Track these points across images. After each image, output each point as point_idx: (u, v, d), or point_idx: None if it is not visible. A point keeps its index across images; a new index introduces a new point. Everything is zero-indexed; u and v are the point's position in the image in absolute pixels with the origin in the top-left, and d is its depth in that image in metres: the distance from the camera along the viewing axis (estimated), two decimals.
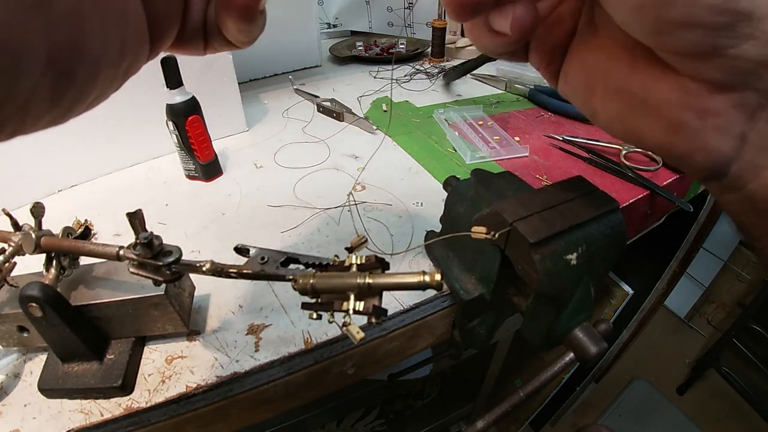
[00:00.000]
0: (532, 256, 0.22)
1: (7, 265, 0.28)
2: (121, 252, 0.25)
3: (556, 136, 0.57)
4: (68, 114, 0.14)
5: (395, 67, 0.87)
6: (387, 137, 0.60)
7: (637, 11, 0.13)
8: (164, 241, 0.25)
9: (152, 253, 0.24)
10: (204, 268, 0.24)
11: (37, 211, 0.29)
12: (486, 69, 0.77)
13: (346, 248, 0.22)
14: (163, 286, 0.28)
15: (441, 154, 0.55)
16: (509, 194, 0.29)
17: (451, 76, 0.76)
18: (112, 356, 0.30)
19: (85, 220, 0.44)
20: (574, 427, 1.08)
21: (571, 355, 0.25)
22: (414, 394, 0.86)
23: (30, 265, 0.31)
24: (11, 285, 0.29)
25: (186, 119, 0.46)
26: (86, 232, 0.33)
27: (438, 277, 0.19)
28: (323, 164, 0.54)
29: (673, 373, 1.41)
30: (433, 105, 0.70)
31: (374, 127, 0.61)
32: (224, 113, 0.58)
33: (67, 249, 0.28)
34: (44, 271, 0.28)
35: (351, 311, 0.19)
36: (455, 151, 0.55)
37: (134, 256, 0.24)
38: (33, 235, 0.27)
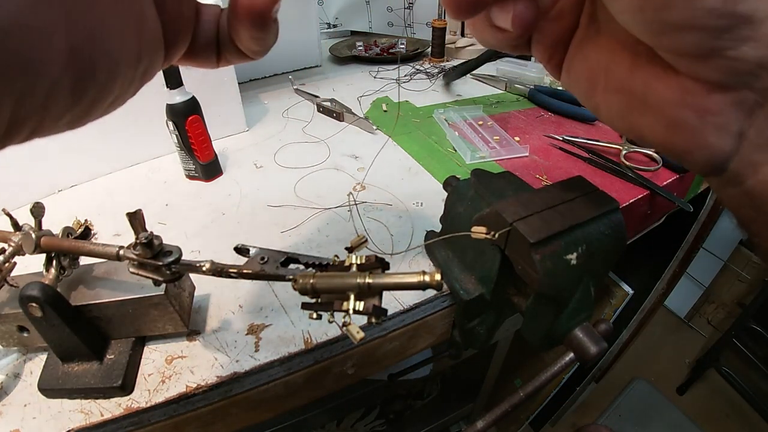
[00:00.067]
0: (532, 256, 0.22)
1: (7, 265, 0.28)
2: (121, 252, 0.25)
3: (556, 136, 0.57)
4: (87, 116, 0.14)
5: (395, 67, 0.87)
6: (391, 137, 0.60)
7: (637, 12, 0.13)
8: (164, 241, 0.25)
9: (152, 253, 0.24)
10: (204, 268, 0.24)
11: (37, 211, 0.29)
12: (486, 69, 0.77)
13: (346, 248, 0.22)
14: (163, 286, 0.28)
15: (441, 154, 0.55)
16: (509, 194, 0.29)
17: (451, 76, 0.76)
18: (112, 356, 0.30)
19: (85, 220, 0.44)
20: (574, 427, 1.08)
21: (571, 355, 0.25)
22: (414, 394, 0.86)
23: (30, 265, 0.31)
24: (11, 285, 0.29)
25: (186, 119, 0.46)
26: (86, 232, 0.33)
27: (438, 277, 0.19)
28: (323, 164, 0.54)
29: (673, 373, 1.41)
30: (433, 105, 0.70)
31: (374, 127, 0.61)
32: (224, 113, 0.58)
33: (67, 249, 0.28)
34: (44, 271, 0.28)
35: (351, 311, 0.19)
36: (455, 151, 0.55)
37: (134, 256, 0.24)
38: (33, 235, 0.27)
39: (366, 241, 0.22)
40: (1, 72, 0.10)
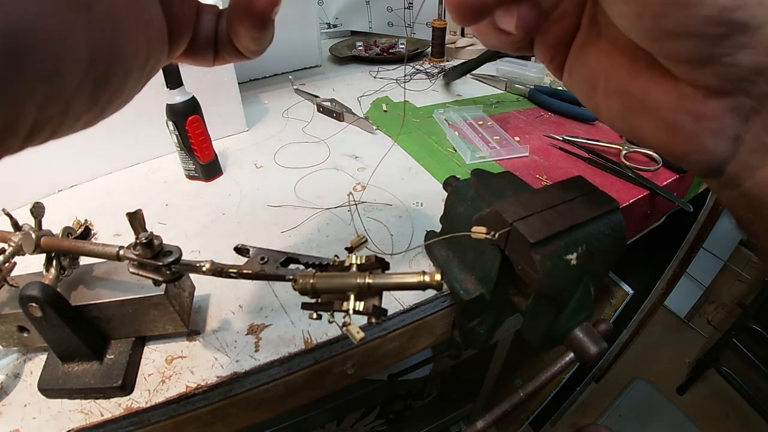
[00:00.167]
0: (532, 256, 0.22)
1: (7, 265, 0.28)
2: (121, 252, 0.25)
3: (556, 136, 0.57)
4: (101, 116, 0.14)
5: (395, 67, 0.87)
6: (391, 137, 0.60)
7: (636, 19, 0.13)
8: (164, 241, 0.25)
9: (152, 253, 0.24)
10: (204, 268, 0.24)
11: (37, 211, 0.29)
12: (486, 69, 0.77)
13: (346, 248, 0.22)
14: (163, 286, 0.28)
15: (441, 154, 0.55)
16: (509, 194, 0.29)
17: (451, 76, 0.76)
18: (112, 356, 0.30)
19: (85, 220, 0.44)
20: (574, 427, 1.08)
21: (571, 355, 0.25)
22: (414, 394, 0.86)
23: (30, 265, 0.31)
24: (11, 285, 0.29)
25: (186, 119, 0.46)
26: (86, 232, 0.33)
27: (438, 277, 0.19)
28: (323, 164, 0.54)
29: (673, 373, 1.41)
30: (433, 105, 0.70)
31: (374, 127, 0.61)
32: (224, 113, 0.58)
33: (67, 249, 0.28)
34: (44, 271, 0.28)
35: (351, 311, 0.19)
36: (455, 151, 0.55)
37: (134, 256, 0.24)
38: (33, 235, 0.27)
39: (366, 241, 0.22)
40: (26, 80, 0.10)
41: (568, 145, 0.55)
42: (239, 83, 0.58)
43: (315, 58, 0.87)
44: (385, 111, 0.67)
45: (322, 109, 0.67)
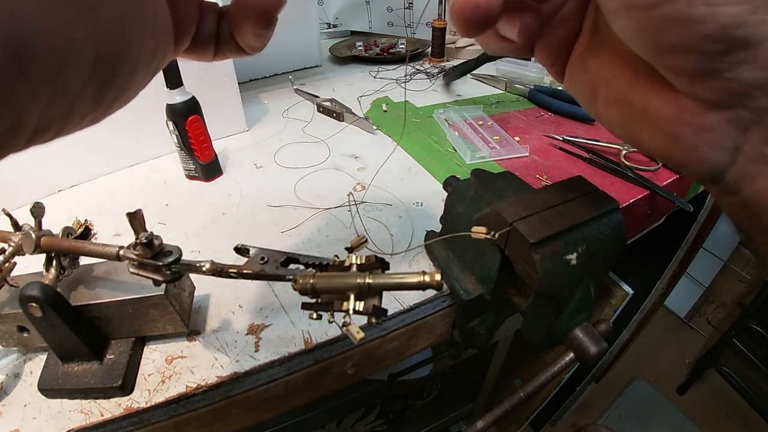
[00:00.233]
0: (532, 256, 0.22)
1: (7, 265, 0.28)
2: (121, 252, 0.25)
3: (556, 136, 0.57)
4: (106, 113, 0.14)
5: (395, 67, 0.87)
6: (392, 137, 0.60)
7: (638, 32, 0.13)
8: (164, 241, 0.25)
9: (152, 253, 0.24)
10: (204, 268, 0.24)
11: (37, 211, 0.29)
12: (486, 69, 0.77)
13: (346, 248, 0.22)
14: (163, 286, 0.28)
15: (441, 154, 0.55)
16: (509, 194, 0.29)
17: (451, 76, 0.76)
18: (112, 356, 0.30)
19: (85, 220, 0.44)
20: (574, 427, 1.08)
21: (571, 355, 0.25)
22: (414, 394, 0.86)
23: (30, 265, 0.31)
24: (11, 285, 0.29)
25: (186, 119, 0.46)
26: (86, 232, 0.33)
27: (438, 277, 0.19)
28: (323, 164, 0.54)
29: (673, 373, 1.41)
30: (433, 105, 0.70)
31: (374, 127, 0.61)
32: (224, 113, 0.58)
33: (67, 249, 0.28)
34: (44, 271, 0.28)
35: (351, 311, 0.19)
36: (455, 151, 0.55)
37: (134, 256, 0.24)
38: (33, 235, 0.27)
39: (366, 241, 0.22)
40: (30, 82, 0.10)
41: (568, 145, 0.55)
42: (239, 83, 0.58)
43: (315, 58, 0.87)
44: (385, 111, 0.67)
45: (322, 109, 0.67)
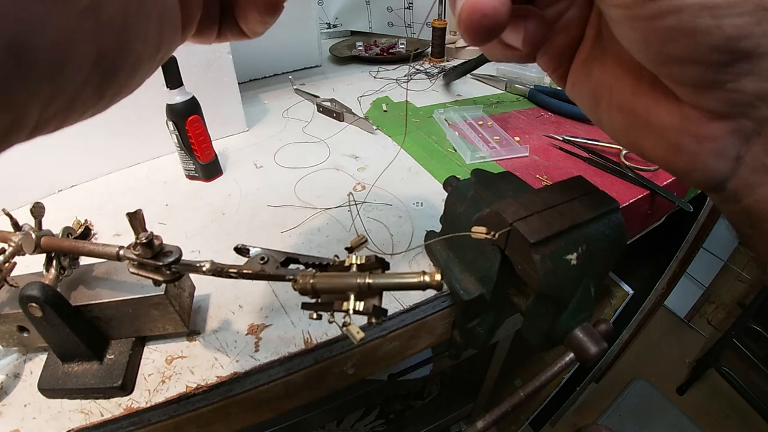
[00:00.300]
0: (532, 256, 0.22)
1: (7, 265, 0.28)
2: (121, 252, 0.25)
3: (556, 136, 0.57)
4: (108, 105, 0.14)
5: (395, 67, 0.87)
6: (392, 137, 0.60)
7: (642, 42, 0.13)
8: (164, 241, 0.25)
9: (152, 253, 0.24)
10: (204, 268, 0.24)
11: (37, 211, 0.29)
12: (486, 69, 0.77)
13: (346, 248, 0.22)
14: (163, 286, 0.28)
15: (441, 154, 0.55)
16: (509, 194, 0.29)
17: (451, 76, 0.76)
18: (112, 356, 0.30)
19: (85, 220, 0.44)
20: (574, 427, 1.08)
21: (571, 355, 0.25)
22: (414, 394, 0.86)
23: (30, 265, 0.31)
24: (11, 285, 0.29)
25: (186, 119, 0.46)
26: (86, 232, 0.33)
27: (438, 277, 0.19)
28: (323, 164, 0.54)
29: (673, 373, 1.41)
30: (433, 105, 0.70)
31: (374, 127, 0.61)
32: (224, 113, 0.58)
33: (67, 249, 0.28)
34: (44, 271, 0.28)
35: (351, 311, 0.19)
36: (455, 151, 0.55)
37: (134, 256, 0.24)
38: (33, 235, 0.27)
39: (366, 241, 0.22)
40: (30, 81, 0.10)
41: (568, 145, 0.55)
42: (239, 83, 0.58)
43: (315, 58, 0.87)
44: (385, 111, 0.67)
45: (322, 109, 0.67)
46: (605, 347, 0.25)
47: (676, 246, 0.82)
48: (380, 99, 0.72)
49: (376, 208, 0.45)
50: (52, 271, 0.28)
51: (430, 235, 0.38)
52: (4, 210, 0.29)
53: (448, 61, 0.90)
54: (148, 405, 0.28)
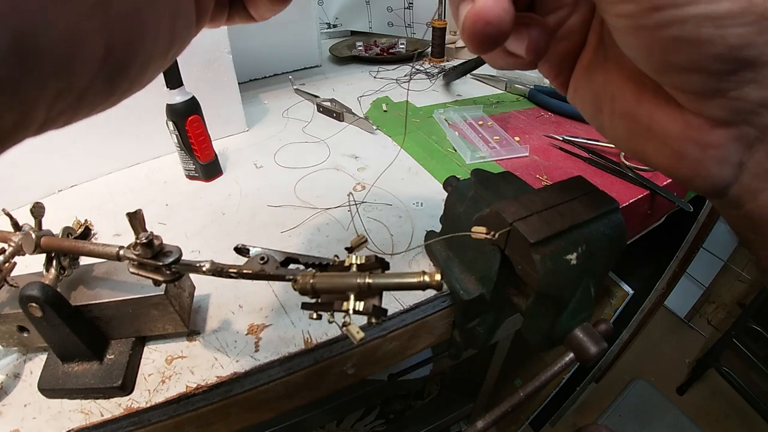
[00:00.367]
0: (532, 256, 0.22)
1: (7, 265, 0.28)
2: (121, 252, 0.25)
3: (556, 136, 0.57)
4: (119, 101, 0.14)
5: (395, 67, 0.87)
6: (392, 137, 0.60)
7: (645, 51, 0.13)
8: (164, 241, 0.25)
9: (152, 253, 0.24)
10: (204, 268, 0.24)
11: (37, 211, 0.29)
12: (486, 69, 0.77)
13: (346, 248, 0.22)
14: (163, 286, 0.28)
15: (441, 154, 0.55)
16: (509, 194, 0.29)
17: (451, 76, 0.76)
18: (112, 356, 0.30)
19: (85, 220, 0.44)
20: (574, 427, 1.08)
21: (571, 355, 0.25)
22: (414, 394, 0.86)
23: (30, 265, 0.31)
24: (11, 285, 0.29)
25: (186, 119, 0.46)
26: (86, 232, 0.33)
27: (438, 277, 0.19)
28: (323, 164, 0.54)
29: (673, 373, 1.41)
30: (433, 105, 0.70)
31: (374, 127, 0.61)
32: (224, 113, 0.58)
33: (67, 249, 0.28)
34: (44, 271, 0.28)
35: (351, 311, 0.19)
36: (455, 151, 0.55)
37: (134, 256, 0.24)
38: (33, 235, 0.27)
39: (366, 241, 0.22)
40: (38, 79, 0.10)
41: (568, 145, 0.55)
42: (239, 83, 0.58)
43: (315, 58, 0.87)
44: (385, 111, 0.67)
45: (322, 109, 0.67)
46: (605, 347, 0.25)
47: (676, 246, 0.82)
48: (380, 99, 0.72)
49: (376, 208, 0.45)
50: (52, 271, 0.28)
51: (430, 235, 0.38)
52: (4, 210, 0.29)
53: (448, 61, 0.90)
54: (148, 405, 0.28)
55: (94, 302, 0.28)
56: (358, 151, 0.56)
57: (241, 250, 0.24)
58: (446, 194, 0.34)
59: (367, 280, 0.19)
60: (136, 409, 0.28)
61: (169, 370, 0.30)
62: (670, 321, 1.58)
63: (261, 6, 0.19)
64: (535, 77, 0.74)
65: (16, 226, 0.28)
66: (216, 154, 0.51)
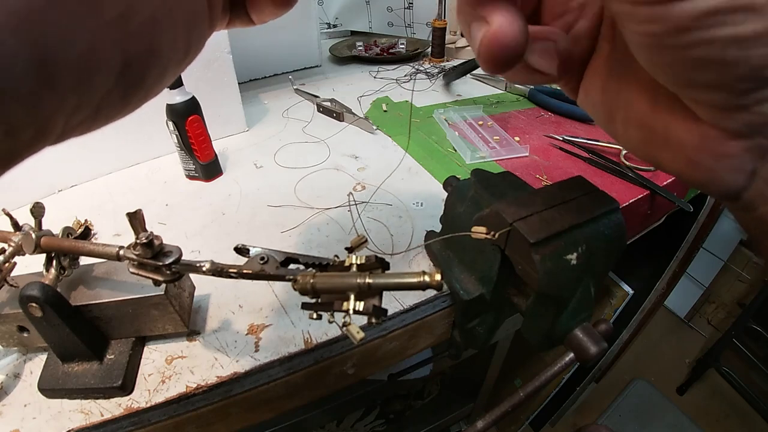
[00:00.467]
0: (533, 256, 0.22)
1: (7, 265, 0.28)
2: (121, 252, 0.25)
3: (556, 136, 0.57)
4: (135, 109, 0.14)
5: (395, 67, 0.87)
6: (392, 137, 0.60)
7: (667, 68, 0.13)
8: (164, 241, 0.25)
9: (152, 253, 0.24)
10: (204, 268, 0.24)
11: (37, 211, 0.29)
12: None
13: (346, 248, 0.22)
14: (163, 286, 0.28)
15: (441, 154, 0.55)
16: (509, 194, 0.29)
17: (451, 76, 0.76)
18: (112, 356, 0.30)
19: (85, 220, 0.44)
20: (574, 427, 1.08)
21: (571, 355, 0.25)
22: (414, 394, 0.86)
23: (30, 265, 0.31)
24: (11, 285, 0.29)
25: (186, 119, 0.46)
26: (86, 232, 0.33)
27: (438, 277, 0.19)
28: (323, 164, 0.54)
29: (673, 373, 1.41)
30: (433, 105, 0.70)
31: (374, 127, 0.61)
32: (224, 113, 0.58)
33: (67, 249, 0.28)
34: (44, 271, 0.28)
35: (351, 311, 0.19)
36: (455, 151, 0.55)
37: (134, 256, 0.24)
38: (33, 235, 0.27)
39: (366, 241, 0.22)
40: (57, 93, 0.10)
41: (568, 145, 0.55)
42: (239, 83, 0.58)
43: (315, 58, 0.87)
44: (385, 111, 0.67)
45: (322, 109, 0.67)
46: (605, 347, 0.25)
47: (676, 246, 0.82)
48: (380, 99, 0.72)
49: (376, 208, 0.45)
50: (52, 271, 0.28)
51: (430, 235, 0.38)
52: (4, 210, 0.29)
53: (448, 61, 0.90)
54: (148, 405, 0.28)
55: (94, 302, 0.28)
56: (358, 151, 0.56)
57: (241, 250, 0.24)
58: (446, 194, 0.34)
59: (367, 280, 0.19)
60: (136, 409, 0.28)
61: (169, 370, 0.30)
62: (670, 321, 1.58)
63: (264, 10, 0.19)
64: None
65: (16, 226, 0.28)
66: (216, 154, 0.51)
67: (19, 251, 0.28)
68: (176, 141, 0.48)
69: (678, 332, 1.56)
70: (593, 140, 0.54)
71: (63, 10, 0.09)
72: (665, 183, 0.48)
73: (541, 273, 0.23)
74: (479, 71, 0.77)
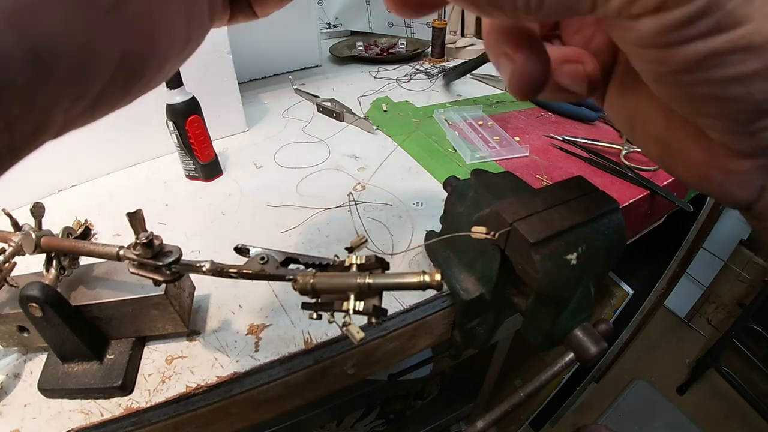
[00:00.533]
0: (532, 256, 0.22)
1: (7, 265, 0.28)
2: (121, 252, 0.25)
3: (556, 136, 0.57)
4: (134, 99, 0.14)
5: (395, 67, 0.87)
6: (392, 138, 0.60)
7: (673, 99, 0.14)
8: (164, 241, 0.25)
9: (152, 253, 0.24)
10: (204, 268, 0.24)
11: (37, 211, 0.29)
12: (486, 69, 0.77)
13: (346, 248, 0.22)
14: (163, 286, 0.28)
15: (441, 154, 0.55)
16: (509, 194, 0.29)
17: (451, 76, 0.76)
18: (112, 356, 0.30)
19: (85, 220, 0.44)
20: (574, 427, 1.08)
21: (571, 355, 0.25)
22: (414, 394, 0.86)
23: (30, 265, 0.31)
24: (11, 285, 0.29)
25: (186, 119, 0.46)
26: (86, 232, 0.33)
27: (438, 277, 0.19)
28: (323, 164, 0.54)
29: (673, 373, 1.41)
30: (433, 105, 0.70)
31: (374, 127, 0.61)
32: (224, 113, 0.58)
33: (67, 249, 0.28)
34: (44, 271, 0.28)
35: (351, 311, 0.19)
36: (455, 151, 0.55)
37: (134, 256, 0.24)
38: (33, 235, 0.27)
39: (366, 241, 0.22)
40: (54, 87, 0.10)
41: (568, 145, 0.55)
42: (239, 83, 0.58)
43: (315, 58, 0.87)
44: (385, 111, 0.67)
45: (322, 109, 0.67)
46: (605, 347, 0.25)
47: (676, 246, 0.82)
48: (380, 99, 0.72)
49: (376, 208, 0.45)
50: (52, 271, 0.28)
51: (430, 235, 0.38)
52: (4, 210, 0.29)
53: (448, 61, 0.90)
54: (148, 405, 0.28)
55: (94, 302, 0.28)
56: (358, 151, 0.56)
57: (241, 250, 0.24)
58: (446, 194, 0.34)
59: (367, 280, 0.19)
60: (136, 409, 0.28)
61: (169, 370, 0.30)
62: (670, 321, 1.58)
63: (269, 6, 0.19)
64: None
65: (16, 226, 0.28)
66: (216, 154, 0.51)
67: (19, 251, 0.28)
68: (176, 141, 0.48)
69: (678, 332, 1.56)
70: (593, 140, 0.54)
71: (58, 1, 0.09)
72: (665, 183, 0.48)
73: (541, 273, 0.23)
74: (479, 71, 0.77)
